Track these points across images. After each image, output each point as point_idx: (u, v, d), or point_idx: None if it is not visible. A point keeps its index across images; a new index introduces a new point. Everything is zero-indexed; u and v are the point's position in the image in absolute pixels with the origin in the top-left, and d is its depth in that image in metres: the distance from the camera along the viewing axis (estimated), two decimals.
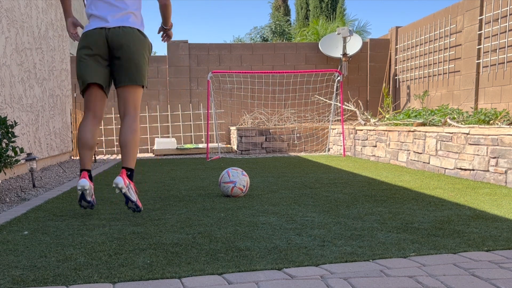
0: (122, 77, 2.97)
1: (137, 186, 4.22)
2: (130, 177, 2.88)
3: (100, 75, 2.96)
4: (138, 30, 3.00)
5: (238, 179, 3.56)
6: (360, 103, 9.11)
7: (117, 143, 8.98)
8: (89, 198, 2.88)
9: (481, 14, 6.41)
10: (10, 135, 3.66)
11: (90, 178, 2.91)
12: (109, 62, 3.00)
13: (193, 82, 9.14)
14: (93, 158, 7.34)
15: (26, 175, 5.22)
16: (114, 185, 2.79)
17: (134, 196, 2.88)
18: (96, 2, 2.98)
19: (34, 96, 5.81)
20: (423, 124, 5.86)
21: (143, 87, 3.06)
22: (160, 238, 2.34)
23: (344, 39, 8.83)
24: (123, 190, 2.79)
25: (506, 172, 4.04)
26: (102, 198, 3.61)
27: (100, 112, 3.07)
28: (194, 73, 9.11)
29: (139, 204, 2.93)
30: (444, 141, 4.94)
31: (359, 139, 7.19)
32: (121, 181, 2.77)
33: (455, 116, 5.77)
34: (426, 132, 5.29)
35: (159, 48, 54.80)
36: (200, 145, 8.74)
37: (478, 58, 6.46)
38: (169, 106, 9.09)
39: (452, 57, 7.08)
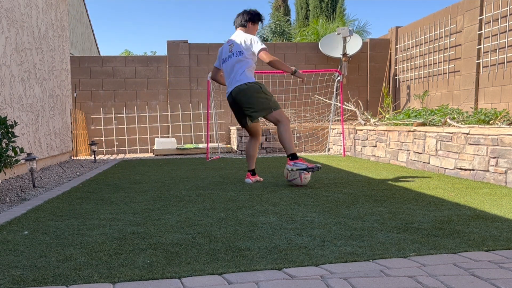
0: None
1: (137, 186, 4.24)
2: (294, 158, 4.02)
3: None
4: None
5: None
6: (360, 103, 9.11)
7: (117, 143, 9.00)
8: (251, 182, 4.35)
9: (481, 14, 6.41)
10: (10, 135, 3.66)
11: (254, 174, 4.42)
12: None
13: (193, 82, 9.15)
14: (94, 158, 7.35)
15: (26, 175, 5.22)
16: (286, 170, 4.06)
17: (303, 165, 3.95)
18: None
19: (34, 96, 5.81)
20: (423, 124, 5.85)
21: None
22: (160, 238, 2.34)
23: (344, 39, 8.82)
24: (294, 168, 3.96)
25: (506, 172, 4.04)
26: (102, 198, 3.61)
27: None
28: (194, 73, 9.11)
29: (310, 165, 3.96)
30: (444, 141, 4.94)
31: (359, 139, 7.19)
32: (288, 166, 4.01)
33: (455, 116, 5.77)
34: (426, 132, 5.29)
35: (159, 48, 54.80)
36: (200, 145, 8.73)
37: (478, 58, 6.46)
38: (169, 106, 9.09)
39: (452, 57, 7.08)
